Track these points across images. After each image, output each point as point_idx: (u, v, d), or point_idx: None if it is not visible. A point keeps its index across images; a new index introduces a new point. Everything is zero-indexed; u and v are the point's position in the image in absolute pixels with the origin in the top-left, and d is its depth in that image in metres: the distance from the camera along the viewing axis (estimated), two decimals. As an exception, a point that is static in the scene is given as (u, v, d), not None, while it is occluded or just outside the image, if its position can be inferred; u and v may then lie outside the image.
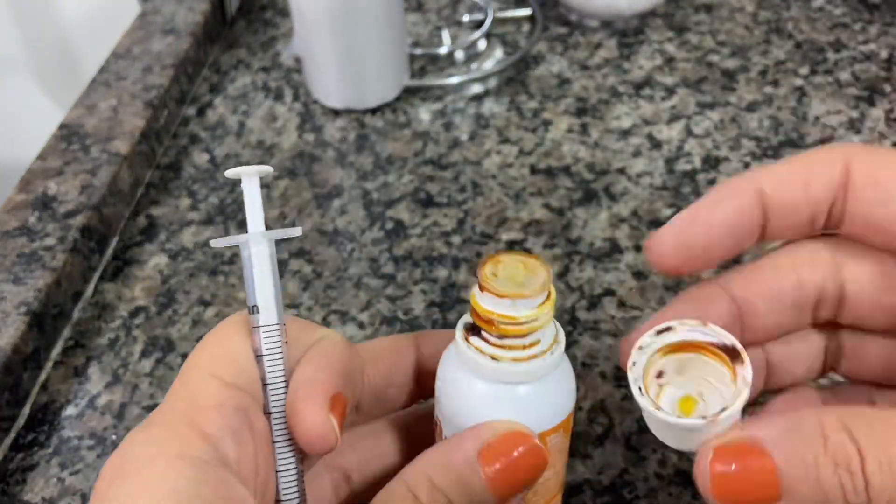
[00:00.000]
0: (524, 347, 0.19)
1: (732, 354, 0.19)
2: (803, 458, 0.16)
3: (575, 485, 0.32)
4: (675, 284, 0.40)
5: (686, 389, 0.20)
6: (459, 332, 0.20)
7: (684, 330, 0.19)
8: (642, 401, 0.19)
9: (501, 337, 0.19)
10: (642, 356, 0.19)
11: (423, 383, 0.23)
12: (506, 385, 0.19)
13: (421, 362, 0.23)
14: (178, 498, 0.16)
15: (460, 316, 0.39)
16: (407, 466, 0.19)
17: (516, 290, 0.19)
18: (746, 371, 0.19)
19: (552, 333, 0.20)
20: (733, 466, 0.17)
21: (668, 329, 0.19)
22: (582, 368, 0.36)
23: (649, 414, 0.19)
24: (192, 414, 0.18)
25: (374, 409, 0.23)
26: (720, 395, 0.19)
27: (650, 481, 0.32)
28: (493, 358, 0.19)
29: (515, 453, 0.18)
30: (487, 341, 0.19)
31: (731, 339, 0.19)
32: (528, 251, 0.20)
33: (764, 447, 0.17)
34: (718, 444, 0.18)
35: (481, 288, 0.19)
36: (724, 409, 0.19)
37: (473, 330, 0.19)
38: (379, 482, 0.21)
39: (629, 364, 0.19)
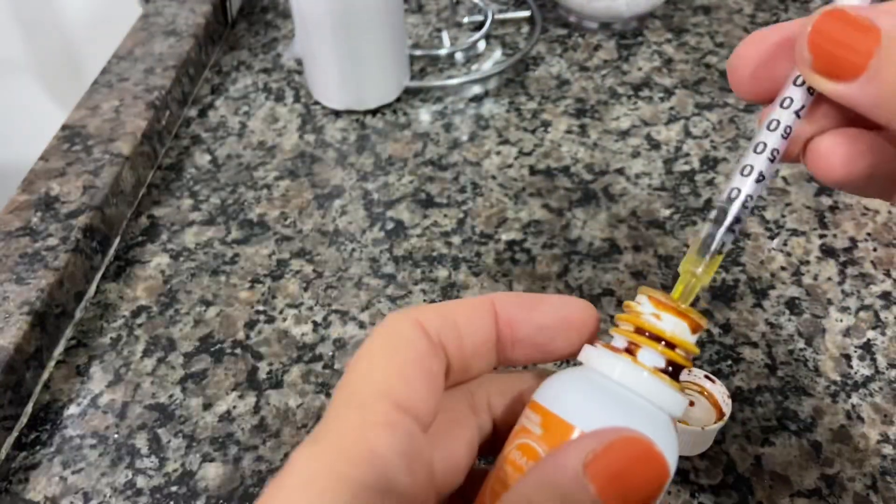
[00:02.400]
0: (673, 376, 0.18)
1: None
2: None
3: (573, 483, 0.32)
4: (673, 284, 0.40)
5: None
6: (624, 355, 0.18)
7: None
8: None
9: (661, 359, 0.18)
10: None
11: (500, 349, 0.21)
12: (664, 413, 0.18)
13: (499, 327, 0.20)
14: None
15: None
16: (507, 493, 0.17)
17: (690, 311, 0.18)
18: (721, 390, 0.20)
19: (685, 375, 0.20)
20: (834, 30, 0.17)
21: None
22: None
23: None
24: (362, 431, 0.17)
25: (459, 375, 0.21)
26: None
27: None
28: (655, 372, 0.18)
29: (629, 461, 0.15)
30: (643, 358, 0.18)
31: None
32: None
33: (865, 17, 0.17)
34: (821, 13, 0.17)
35: (668, 310, 0.18)
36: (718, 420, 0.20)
37: (633, 347, 0.18)
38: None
39: None
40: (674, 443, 0.17)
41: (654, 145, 0.49)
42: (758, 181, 0.19)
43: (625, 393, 0.17)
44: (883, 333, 0.38)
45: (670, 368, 0.18)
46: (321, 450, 0.17)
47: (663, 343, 0.18)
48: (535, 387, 0.19)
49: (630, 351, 0.18)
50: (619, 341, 0.19)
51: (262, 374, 0.37)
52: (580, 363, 0.19)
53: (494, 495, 0.18)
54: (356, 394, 0.18)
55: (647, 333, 0.18)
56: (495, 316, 0.19)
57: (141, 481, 0.34)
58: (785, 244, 0.42)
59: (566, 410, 0.17)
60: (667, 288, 0.40)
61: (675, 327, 0.18)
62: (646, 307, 0.18)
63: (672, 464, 0.17)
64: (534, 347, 0.20)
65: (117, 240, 0.45)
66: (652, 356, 0.18)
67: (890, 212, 0.44)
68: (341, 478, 0.16)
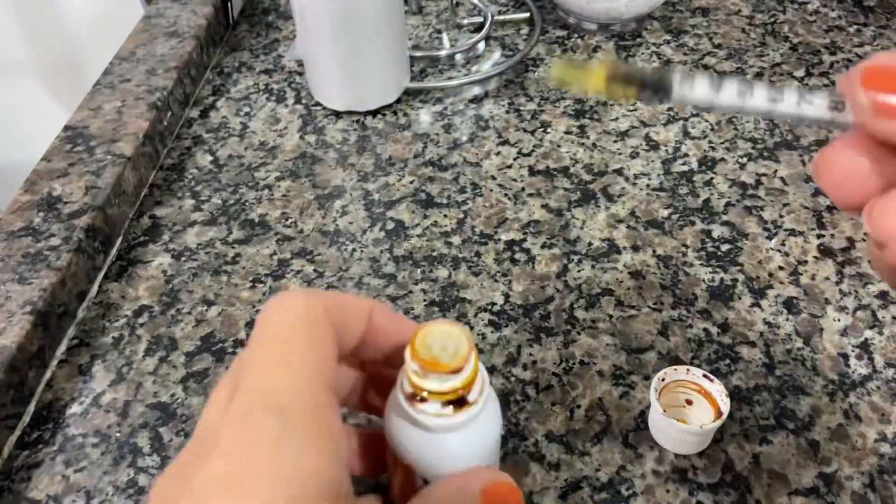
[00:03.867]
0: (456, 407, 0.22)
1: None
2: None
3: (573, 482, 0.32)
4: (672, 284, 0.41)
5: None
6: (401, 397, 0.23)
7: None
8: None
9: (438, 404, 0.22)
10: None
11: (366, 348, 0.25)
12: (449, 434, 0.23)
13: (371, 331, 0.24)
14: (332, 492, 0.18)
15: (460, 316, 0.39)
16: (429, 490, 0.22)
17: (448, 361, 0.22)
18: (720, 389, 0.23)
19: (479, 385, 0.23)
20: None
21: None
22: (580, 367, 0.37)
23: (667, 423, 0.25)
24: (321, 412, 0.20)
25: None
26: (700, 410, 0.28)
27: (647, 478, 0.32)
28: (436, 416, 0.22)
29: (505, 496, 0.22)
30: (425, 408, 0.22)
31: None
32: (454, 321, 0.23)
33: None
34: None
35: (415, 360, 0.22)
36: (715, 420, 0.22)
37: (413, 397, 0.23)
38: None
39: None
40: (454, 453, 0.23)
41: (653, 146, 0.50)
42: None
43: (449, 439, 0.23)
44: (880, 333, 0.38)
45: (453, 405, 0.22)
46: (295, 423, 0.19)
47: (427, 393, 0.22)
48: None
49: (412, 405, 0.23)
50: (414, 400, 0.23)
51: (263, 374, 0.38)
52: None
53: (405, 496, 0.23)
54: (297, 372, 0.20)
55: (422, 393, 0.22)
56: (370, 317, 0.24)
57: (143, 480, 0.34)
58: (783, 244, 0.43)
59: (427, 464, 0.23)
60: (664, 287, 0.40)
61: (438, 383, 0.22)
62: (410, 368, 0.22)
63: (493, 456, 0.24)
64: (378, 355, 0.25)
65: (119, 240, 0.46)
66: (433, 407, 0.22)
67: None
68: (332, 453, 0.19)
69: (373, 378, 0.27)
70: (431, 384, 0.22)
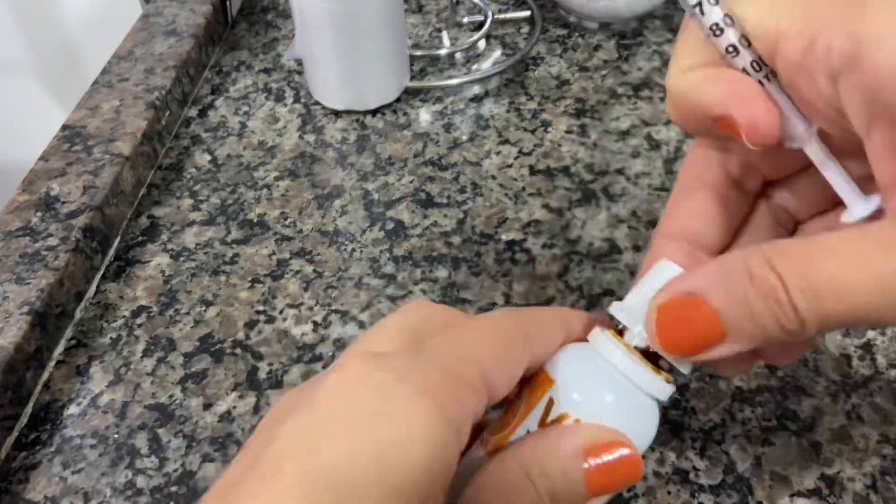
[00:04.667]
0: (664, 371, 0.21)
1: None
2: (735, 296, 0.18)
3: (573, 483, 0.32)
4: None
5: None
6: (619, 343, 0.21)
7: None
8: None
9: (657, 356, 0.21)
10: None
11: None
12: (644, 395, 0.21)
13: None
14: (429, 451, 0.16)
15: (460, 315, 0.39)
16: (520, 445, 0.20)
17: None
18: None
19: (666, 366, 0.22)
20: (677, 320, 0.19)
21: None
22: (581, 367, 0.37)
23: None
24: (459, 385, 0.18)
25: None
26: None
27: (648, 479, 0.32)
28: (654, 370, 0.21)
29: (616, 458, 0.19)
30: (649, 356, 0.21)
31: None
32: None
33: (700, 295, 0.18)
34: (659, 302, 0.19)
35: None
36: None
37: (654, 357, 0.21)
38: None
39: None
40: (653, 425, 0.21)
41: (654, 145, 0.49)
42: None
43: (620, 380, 0.21)
44: (883, 333, 0.38)
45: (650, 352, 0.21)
46: (426, 371, 0.18)
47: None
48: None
49: (621, 332, 0.22)
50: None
51: (262, 374, 0.37)
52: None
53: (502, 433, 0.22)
54: (460, 353, 0.19)
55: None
56: (567, 333, 0.22)
57: (141, 481, 0.34)
58: (785, 244, 0.42)
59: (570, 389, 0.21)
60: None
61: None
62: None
63: (644, 445, 0.21)
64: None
65: (117, 240, 0.45)
66: (638, 337, 0.21)
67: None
68: (441, 408, 0.17)
69: None
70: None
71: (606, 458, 0.19)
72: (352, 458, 0.15)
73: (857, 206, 0.20)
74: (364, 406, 0.16)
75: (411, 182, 0.48)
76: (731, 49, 0.19)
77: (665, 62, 0.57)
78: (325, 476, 0.15)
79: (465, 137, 0.51)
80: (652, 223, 0.44)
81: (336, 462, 0.15)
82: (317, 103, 0.54)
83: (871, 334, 0.38)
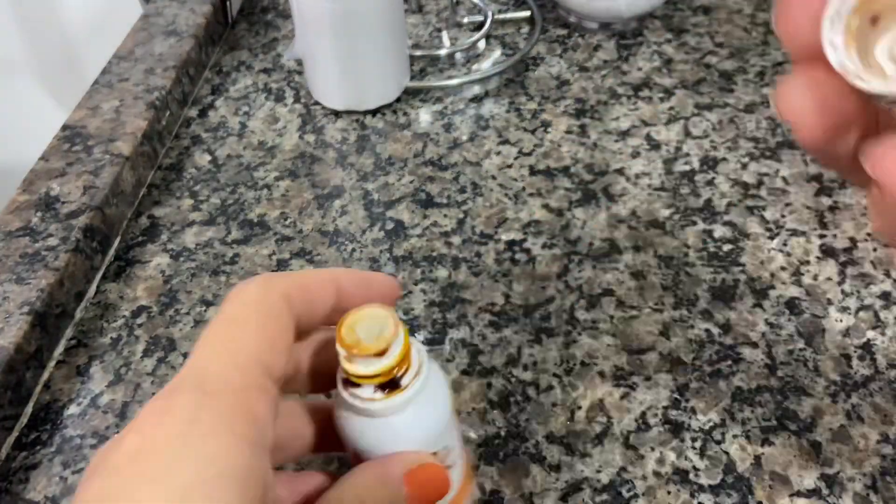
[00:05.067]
0: (389, 391, 0.22)
1: None
2: None
3: (574, 483, 0.32)
4: (674, 284, 0.40)
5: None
6: (339, 384, 0.23)
7: None
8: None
9: (370, 387, 0.22)
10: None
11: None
12: (386, 418, 0.23)
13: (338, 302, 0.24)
14: (237, 477, 0.18)
15: (460, 316, 0.39)
16: (350, 476, 0.22)
17: (371, 344, 0.21)
18: None
19: (414, 368, 0.23)
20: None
21: None
22: (581, 367, 0.37)
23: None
24: (246, 395, 0.19)
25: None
26: None
27: (648, 479, 0.32)
28: (369, 400, 0.22)
29: (430, 478, 0.22)
30: (359, 393, 0.22)
31: None
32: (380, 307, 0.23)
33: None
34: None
35: (340, 345, 0.22)
36: None
37: (348, 382, 0.23)
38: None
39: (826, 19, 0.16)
40: (433, 419, 0.23)
41: (654, 145, 0.49)
42: None
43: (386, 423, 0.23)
44: (883, 333, 0.38)
45: (385, 389, 0.22)
46: (217, 406, 0.19)
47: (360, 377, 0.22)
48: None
49: (346, 390, 0.23)
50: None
51: (262, 374, 0.37)
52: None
53: None
54: (234, 355, 0.20)
55: (352, 378, 0.22)
56: (339, 288, 0.23)
57: (141, 481, 0.34)
58: (785, 244, 0.42)
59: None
60: (666, 288, 0.40)
61: (364, 367, 0.22)
62: (340, 353, 0.22)
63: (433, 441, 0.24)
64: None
65: (117, 240, 0.45)
66: (366, 391, 0.22)
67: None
68: (242, 436, 0.18)
69: None
70: (358, 368, 0.22)
71: (422, 477, 0.22)
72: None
73: None
74: (161, 458, 0.18)
75: (411, 182, 0.48)
76: None
77: (665, 62, 0.57)
78: None
79: (465, 137, 0.51)
80: (652, 223, 0.44)
81: None
82: (317, 103, 0.54)
83: (870, 334, 0.38)
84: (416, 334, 0.39)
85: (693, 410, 0.35)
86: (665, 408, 0.35)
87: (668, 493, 0.32)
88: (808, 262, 0.41)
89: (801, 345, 0.37)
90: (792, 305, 0.39)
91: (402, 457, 0.22)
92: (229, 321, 0.21)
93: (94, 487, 0.17)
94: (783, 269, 0.41)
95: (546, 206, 0.45)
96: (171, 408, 0.18)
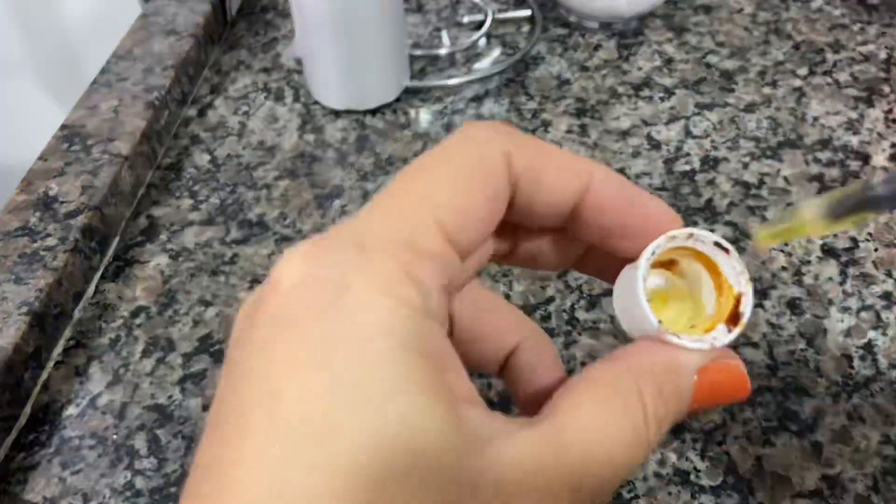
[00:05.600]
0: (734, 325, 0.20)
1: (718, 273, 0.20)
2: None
3: (574, 484, 0.32)
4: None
5: (667, 282, 0.20)
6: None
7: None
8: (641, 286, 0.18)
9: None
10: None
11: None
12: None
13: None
14: (396, 345, 0.14)
15: (460, 316, 0.39)
16: (628, 358, 0.18)
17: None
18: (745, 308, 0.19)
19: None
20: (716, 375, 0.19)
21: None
22: (581, 368, 0.36)
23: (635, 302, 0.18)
24: (410, 257, 0.16)
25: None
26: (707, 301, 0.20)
27: (649, 480, 0.32)
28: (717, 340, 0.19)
29: (726, 376, 0.19)
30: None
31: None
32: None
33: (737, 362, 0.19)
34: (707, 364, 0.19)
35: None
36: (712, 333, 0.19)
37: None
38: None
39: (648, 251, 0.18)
40: None
41: (655, 145, 0.49)
42: None
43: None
44: (884, 334, 0.37)
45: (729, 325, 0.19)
46: (377, 269, 0.15)
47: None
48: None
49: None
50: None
51: (261, 375, 0.37)
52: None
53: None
54: (409, 206, 0.16)
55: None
56: (586, 187, 0.18)
57: (140, 482, 0.34)
58: (786, 244, 0.42)
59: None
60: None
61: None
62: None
63: None
64: (608, 235, 0.19)
65: (116, 240, 0.45)
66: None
67: (891, 212, 0.44)
68: (405, 302, 0.15)
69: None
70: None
71: (717, 378, 0.18)
72: (318, 403, 0.14)
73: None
74: (310, 335, 0.15)
75: (411, 182, 0.48)
76: None
77: (666, 61, 0.57)
78: (300, 429, 0.14)
79: (465, 137, 0.51)
80: (652, 223, 0.44)
81: (303, 409, 0.14)
82: (316, 103, 0.54)
83: (872, 334, 0.37)
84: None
85: (693, 411, 0.35)
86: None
87: (670, 493, 0.32)
88: (809, 263, 0.41)
89: (802, 345, 0.37)
90: (793, 306, 0.39)
91: (693, 353, 0.18)
92: (418, 168, 0.17)
93: (240, 370, 0.15)
94: (784, 269, 0.41)
95: (546, 206, 0.45)
96: (321, 260, 0.15)
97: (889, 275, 0.40)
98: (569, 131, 0.51)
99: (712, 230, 0.43)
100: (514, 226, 0.20)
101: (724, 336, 0.19)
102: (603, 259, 0.21)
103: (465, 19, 0.62)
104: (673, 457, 0.33)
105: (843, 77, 0.54)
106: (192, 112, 0.55)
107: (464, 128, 0.18)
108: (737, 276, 0.19)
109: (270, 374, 0.14)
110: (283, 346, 0.15)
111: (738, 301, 0.19)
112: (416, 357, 0.14)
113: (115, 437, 0.35)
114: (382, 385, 0.14)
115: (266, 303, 0.15)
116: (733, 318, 0.19)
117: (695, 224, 0.44)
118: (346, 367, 0.14)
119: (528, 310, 0.39)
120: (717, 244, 0.19)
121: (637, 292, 0.18)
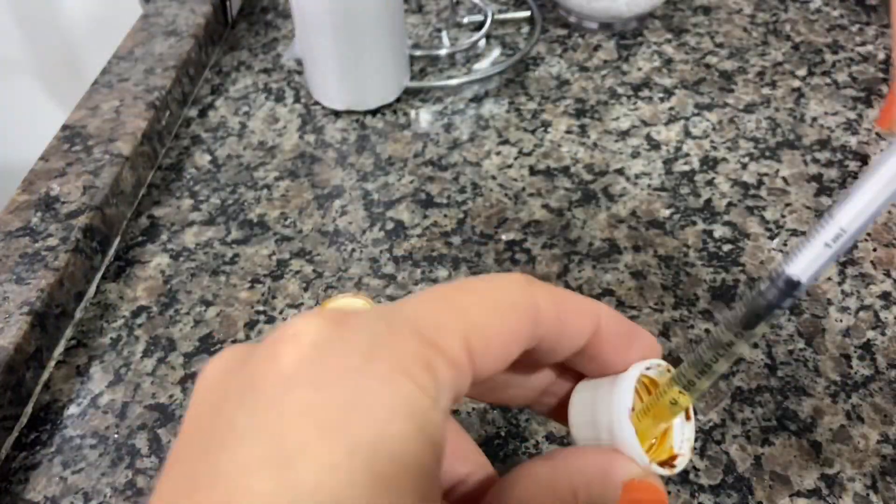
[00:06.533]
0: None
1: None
2: None
3: (573, 483, 0.32)
4: (673, 285, 0.40)
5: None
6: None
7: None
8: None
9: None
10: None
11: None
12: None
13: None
14: (412, 425, 0.14)
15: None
16: (566, 460, 0.19)
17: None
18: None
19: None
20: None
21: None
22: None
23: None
24: (434, 353, 0.15)
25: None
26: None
27: (648, 479, 0.32)
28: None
29: (648, 497, 0.19)
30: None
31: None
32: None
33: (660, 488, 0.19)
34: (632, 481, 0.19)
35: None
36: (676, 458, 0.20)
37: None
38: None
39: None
40: None
41: (654, 145, 0.49)
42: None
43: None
44: (883, 333, 0.38)
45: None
46: (394, 339, 0.15)
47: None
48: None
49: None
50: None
51: (262, 375, 0.37)
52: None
53: None
54: (441, 313, 0.16)
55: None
56: (596, 330, 0.19)
57: (141, 481, 0.34)
58: (785, 244, 0.42)
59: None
60: (666, 288, 0.40)
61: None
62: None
63: None
64: (600, 366, 0.20)
65: (117, 240, 0.45)
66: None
67: (890, 212, 0.44)
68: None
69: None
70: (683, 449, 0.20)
71: (641, 498, 0.18)
72: (333, 473, 0.13)
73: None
74: (331, 398, 0.14)
75: (411, 182, 0.48)
76: None
77: (665, 62, 0.57)
78: (305, 497, 0.13)
79: (465, 137, 0.51)
80: (652, 223, 0.44)
81: (316, 479, 0.13)
82: (317, 103, 0.54)
83: (870, 334, 0.38)
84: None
85: (693, 410, 0.35)
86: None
87: (668, 493, 0.32)
88: (808, 262, 0.41)
89: (801, 345, 0.37)
90: (792, 305, 0.39)
91: (626, 463, 0.19)
92: (462, 285, 0.17)
93: (253, 424, 0.14)
94: (783, 269, 0.41)
95: (546, 206, 0.45)
96: (345, 326, 0.15)
97: (888, 275, 0.40)
98: (568, 131, 0.51)
99: (711, 230, 0.43)
100: None
101: (659, 468, 0.19)
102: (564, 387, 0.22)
103: (465, 20, 0.62)
104: (672, 456, 0.33)
105: (841, 78, 0.54)
106: (193, 112, 0.55)
107: (508, 274, 0.19)
108: (681, 441, 0.21)
109: (283, 434, 0.14)
110: (299, 406, 0.14)
111: (672, 457, 0.20)
112: (430, 445, 0.15)
113: (116, 436, 0.35)
114: (397, 467, 0.14)
115: (280, 357, 0.15)
116: (667, 463, 0.20)
117: (693, 224, 0.44)
118: (365, 440, 0.14)
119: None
120: (687, 412, 0.20)
121: (620, 408, 0.19)
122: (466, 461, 0.21)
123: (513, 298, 0.17)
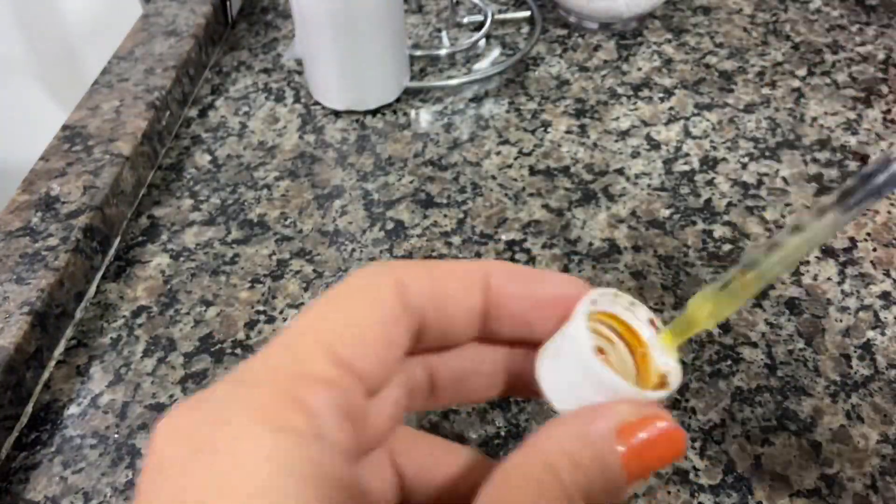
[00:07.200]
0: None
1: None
2: None
3: (573, 483, 0.32)
4: (674, 284, 0.40)
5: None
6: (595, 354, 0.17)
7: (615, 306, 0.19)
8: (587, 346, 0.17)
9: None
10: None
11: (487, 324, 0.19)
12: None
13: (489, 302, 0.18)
14: (278, 471, 0.14)
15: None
16: (537, 439, 0.17)
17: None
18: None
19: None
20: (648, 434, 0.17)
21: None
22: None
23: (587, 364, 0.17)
24: (295, 384, 0.15)
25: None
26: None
27: (648, 480, 0.32)
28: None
29: (654, 433, 0.17)
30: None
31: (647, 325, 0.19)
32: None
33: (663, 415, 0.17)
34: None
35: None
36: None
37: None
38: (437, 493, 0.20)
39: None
40: None
41: (654, 145, 0.49)
42: None
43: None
44: (882, 333, 0.38)
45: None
46: (246, 396, 0.15)
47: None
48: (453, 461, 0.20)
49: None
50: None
51: (262, 374, 0.37)
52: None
53: None
54: (296, 342, 0.16)
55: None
56: (487, 286, 0.18)
57: (141, 481, 0.34)
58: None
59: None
60: (666, 288, 0.40)
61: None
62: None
63: None
64: (523, 324, 0.19)
65: (117, 240, 0.45)
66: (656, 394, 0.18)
67: (889, 212, 0.44)
68: (280, 429, 0.15)
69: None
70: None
71: (643, 436, 0.16)
72: None
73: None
74: (193, 478, 0.14)
75: (411, 182, 0.48)
76: None
77: (665, 62, 0.57)
78: None
79: (465, 137, 0.51)
80: (652, 223, 0.44)
81: None
82: (317, 103, 0.54)
83: (870, 334, 0.38)
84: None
85: (693, 410, 0.35)
86: (665, 408, 0.35)
87: (669, 493, 0.32)
88: (807, 262, 0.41)
89: (801, 345, 0.37)
90: (792, 305, 0.39)
91: (613, 406, 0.17)
92: (306, 310, 0.17)
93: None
94: (783, 269, 0.41)
95: (546, 206, 0.45)
96: (197, 405, 0.15)
97: (887, 274, 0.40)
98: (568, 132, 0.51)
99: (711, 230, 0.43)
100: (429, 356, 0.20)
101: (653, 393, 0.17)
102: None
103: (465, 20, 0.62)
104: (672, 456, 0.33)
105: (841, 78, 0.54)
106: (193, 112, 0.55)
107: (351, 272, 0.18)
108: (665, 361, 0.18)
109: None
110: (161, 499, 0.14)
111: (662, 378, 0.18)
112: (299, 483, 0.14)
113: (116, 436, 0.35)
114: None
115: (144, 465, 0.15)
116: (659, 386, 0.18)
117: (693, 224, 0.44)
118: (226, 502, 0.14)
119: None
120: (650, 321, 0.18)
121: (581, 353, 0.17)
122: (437, 461, 0.20)
123: (368, 289, 0.17)
